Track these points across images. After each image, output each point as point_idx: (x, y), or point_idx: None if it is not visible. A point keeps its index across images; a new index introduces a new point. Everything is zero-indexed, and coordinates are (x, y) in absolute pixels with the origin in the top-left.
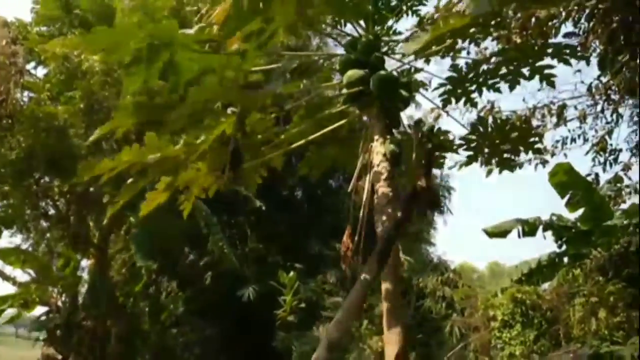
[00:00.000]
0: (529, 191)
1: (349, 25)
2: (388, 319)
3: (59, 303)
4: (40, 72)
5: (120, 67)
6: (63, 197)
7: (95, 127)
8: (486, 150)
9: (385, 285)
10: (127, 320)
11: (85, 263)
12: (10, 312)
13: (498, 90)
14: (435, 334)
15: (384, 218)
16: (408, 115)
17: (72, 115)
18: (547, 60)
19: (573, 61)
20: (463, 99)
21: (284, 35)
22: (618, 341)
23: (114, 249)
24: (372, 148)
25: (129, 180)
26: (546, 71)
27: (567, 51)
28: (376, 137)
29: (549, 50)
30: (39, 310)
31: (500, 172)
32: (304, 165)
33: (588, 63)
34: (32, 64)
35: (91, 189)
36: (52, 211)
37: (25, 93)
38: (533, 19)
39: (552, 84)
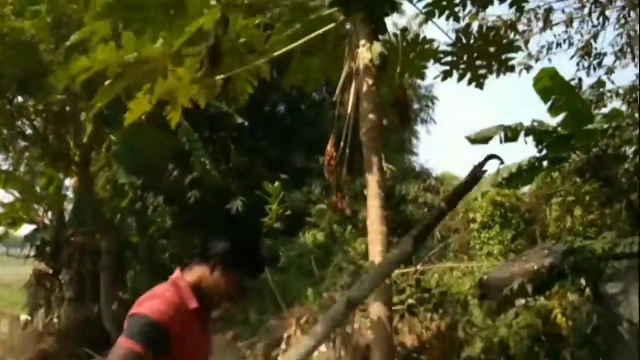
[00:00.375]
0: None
1: None
2: (372, 220)
3: (46, 221)
4: None
5: None
6: (39, 116)
7: (66, 41)
8: (462, 65)
9: (369, 191)
10: (116, 235)
11: (69, 182)
12: None
13: (484, 6)
14: None
15: (369, 126)
16: (392, 23)
17: (40, 31)
18: None
19: None
20: (447, 12)
21: None
22: (591, 237)
23: (96, 166)
24: (358, 54)
25: (106, 82)
26: None
27: None
28: (362, 42)
29: None
30: (27, 229)
31: (469, 84)
32: (290, 76)
33: None
34: None
35: (67, 108)
36: (29, 131)
37: None
38: None
39: None
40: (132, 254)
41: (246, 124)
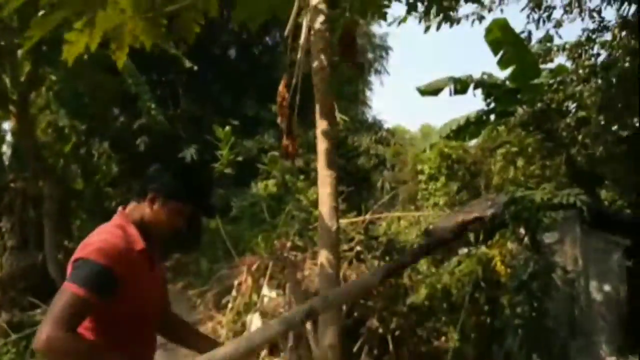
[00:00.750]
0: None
1: None
2: (321, 163)
3: None
4: None
5: None
6: None
7: None
8: (425, 2)
9: (318, 133)
10: (59, 181)
11: (8, 126)
12: None
13: None
14: (365, 185)
15: (320, 65)
16: None
17: None
18: None
19: None
20: None
21: None
22: (532, 187)
23: (36, 108)
24: None
25: (40, 13)
26: None
27: None
28: None
29: None
30: None
31: (437, 28)
32: (238, 12)
33: None
34: None
35: (2, 43)
36: None
37: None
38: None
39: None
40: (77, 201)
41: (195, 68)
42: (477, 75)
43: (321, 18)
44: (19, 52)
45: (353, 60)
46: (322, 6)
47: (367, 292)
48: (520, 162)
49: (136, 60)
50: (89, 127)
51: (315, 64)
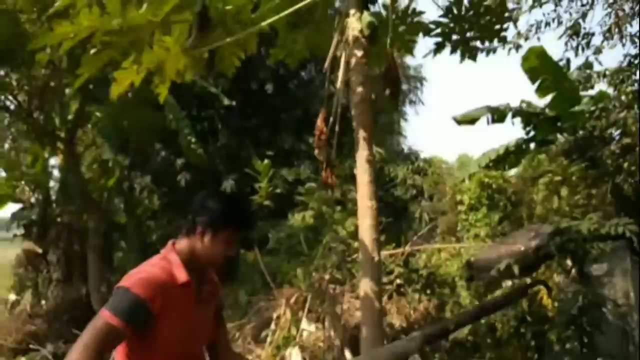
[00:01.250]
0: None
1: None
2: (361, 194)
3: (32, 200)
4: None
5: None
6: (23, 90)
7: (48, 10)
8: (455, 37)
9: (358, 165)
10: (103, 215)
11: (55, 161)
12: None
13: None
14: (404, 216)
15: (359, 98)
16: None
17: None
18: None
19: None
20: None
21: None
22: (577, 217)
23: (82, 145)
24: (348, 24)
25: (92, 51)
26: None
27: None
28: (352, 11)
29: None
30: (12, 209)
31: (461, 60)
32: (277, 50)
33: None
34: None
35: (52, 83)
36: (13, 106)
37: None
38: None
39: None
40: (120, 234)
41: (234, 103)
42: (514, 103)
43: (360, 52)
44: (67, 91)
45: (396, 92)
46: (362, 40)
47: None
48: (564, 192)
49: (177, 97)
50: (131, 162)
51: (354, 96)
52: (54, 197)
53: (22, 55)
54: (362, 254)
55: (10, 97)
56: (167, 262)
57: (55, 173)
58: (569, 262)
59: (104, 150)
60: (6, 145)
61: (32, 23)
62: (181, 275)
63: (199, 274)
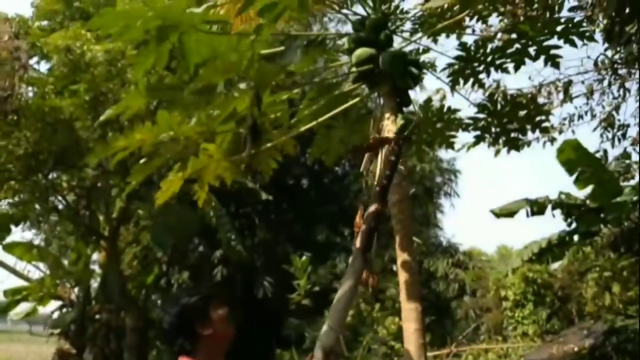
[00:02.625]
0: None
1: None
2: (404, 296)
3: (73, 297)
4: (44, 66)
5: (123, 57)
6: (72, 191)
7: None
8: (494, 130)
9: (400, 265)
10: (140, 313)
11: (96, 256)
12: (25, 308)
13: (506, 70)
14: (448, 315)
15: (397, 197)
16: (413, 99)
17: (78, 108)
18: (553, 40)
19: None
20: (471, 80)
21: (296, 11)
22: (632, 315)
23: (123, 241)
24: (383, 126)
25: (142, 161)
26: (552, 51)
27: (574, 31)
28: (387, 115)
29: (558, 29)
30: (52, 305)
31: (508, 152)
32: (315, 149)
33: (593, 40)
34: (35, 58)
35: (99, 184)
36: (61, 206)
37: (30, 88)
38: None
39: (557, 65)
40: (156, 332)
41: (270, 198)
42: (553, 194)
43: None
44: (113, 190)
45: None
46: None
47: None
48: (615, 287)
49: (216, 193)
50: (170, 258)
51: (392, 196)
52: (93, 294)
53: (75, 159)
54: None
55: (60, 198)
56: None
57: (97, 270)
58: None
59: (154, 248)
60: (51, 246)
61: (85, 129)
62: None
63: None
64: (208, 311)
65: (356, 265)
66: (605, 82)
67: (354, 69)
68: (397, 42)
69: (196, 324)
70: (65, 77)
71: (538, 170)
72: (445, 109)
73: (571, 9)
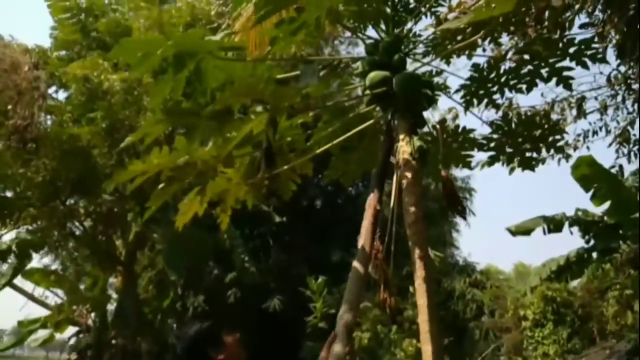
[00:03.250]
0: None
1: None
2: (422, 319)
3: (89, 322)
4: (62, 95)
5: (139, 85)
6: (89, 217)
7: (118, 146)
8: (508, 149)
9: (417, 287)
10: (156, 337)
11: (112, 281)
12: (42, 334)
13: (520, 90)
14: (466, 335)
15: (413, 219)
16: (426, 118)
17: (95, 136)
18: (565, 62)
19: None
20: (485, 100)
21: (312, 29)
22: None
23: (140, 266)
24: (398, 148)
25: (160, 186)
26: (564, 73)
27: (586, 52)
28: (402, 136)
29: (570, 51)
30: (69, 331)
31: (522, 170)
32: (330, 172)
33: (605, 61)
34: (54, 87)
35: (115, 209)
36: (78, 232)
37: (48, 116)
38: (547, 11)
39: (569, 87)
40: (171, 357)
41: (284, 219)
42: (570, 211)
43: (410, 173)
44: (129, 215)
45: (458, 207)
46: (412, 162)
47: None
48: (637, 306)
49: (231, 216)
50: (185, 282)
51: (408, 217)
52: (109, 319)
53: (92, 186)
54: None
55: (77, 224)
56: None
57: (113, 295)
58: None
59: (169, 272)
60: (68, 272)
61: (102, 156)
62: None
63: None
64: (220, 336)
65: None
66: (619, 98)
67: (368, 91)
68: (410, 64)
69: (209, 349)
70: (83, 106)
71: (555, 185)
72: (460, 129)
73: (582, 26)
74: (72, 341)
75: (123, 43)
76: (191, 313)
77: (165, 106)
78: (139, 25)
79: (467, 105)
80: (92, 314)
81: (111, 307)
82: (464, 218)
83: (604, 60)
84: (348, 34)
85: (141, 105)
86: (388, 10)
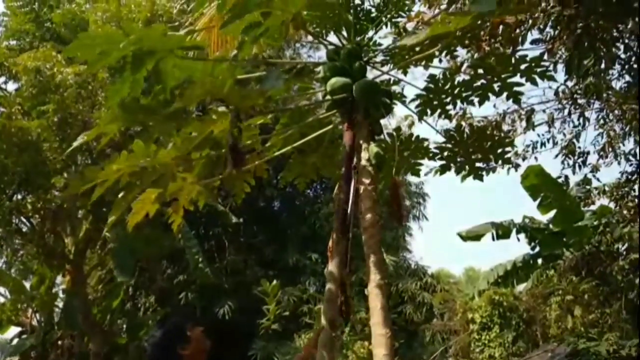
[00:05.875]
0: (503, 194)
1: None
2: (375, 321)
3: (34, 322)
4: (11, 86)
5: (94, 80)
6: (37, 213)
7: (70, 141)
8: (459, 159)
9: (370, 290)
10: (104, 338)
11: (60, 280)
12: None
13: (471, 103)
14: (417, 338)
15: (369, 223)
16: (383, 125)
17: (45, 130)
18: (516, 77)
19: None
20: (438, 110)
21: (277, 34)
22: (594, 337)
23: (89, 265)
24: (356, 154)
25: (120, 195)
26: (515, 88)
27: (537, 70)
28: (360, 142)
29: (522, 67)
30: (12, 331)
31: (473, 179)
32: (287, 173)
33: (552, 79)
34: (2, 78)
35: (65, 205)
36: (25, 228)
37: None
38: (501, 26)
39: (518, 102)
40: (121, 357)
41: (241, 221)
42: (518, 218)
43: (368, 179)
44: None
45: (400, 211)
46: (369, 168)
47: None
48: (577, 311)
49: (185, 215)
50: (136, 282)
51: (364, 221)
52: (56, 319)
53: (40, 181)
54: None
55: (24, 220)
56: None
57: (60, 294)
58: None
59: (116, 273)
60: (13, 269)
61: (53, 151)
62: None
63: None
64: (186, 331)
65: (340, 247)
66: (566, 111)
67: (328, 96)
68: (370, 72)
69: (177, 344)
70: (33, 98)
71: (505, 190)
72: (413, 138)
73: (533, 42)
74: (15, 342)
75: (80, 39)
76: (142, 313)
77: (122, 102)
78: (96, 18)
79: (421, 114)
80: (38, 314)
81: (58, 306)
82: (401, 224)
83: (552, 78)
84: (310, 38)
85: (95, 100)
86: (350, 18)
